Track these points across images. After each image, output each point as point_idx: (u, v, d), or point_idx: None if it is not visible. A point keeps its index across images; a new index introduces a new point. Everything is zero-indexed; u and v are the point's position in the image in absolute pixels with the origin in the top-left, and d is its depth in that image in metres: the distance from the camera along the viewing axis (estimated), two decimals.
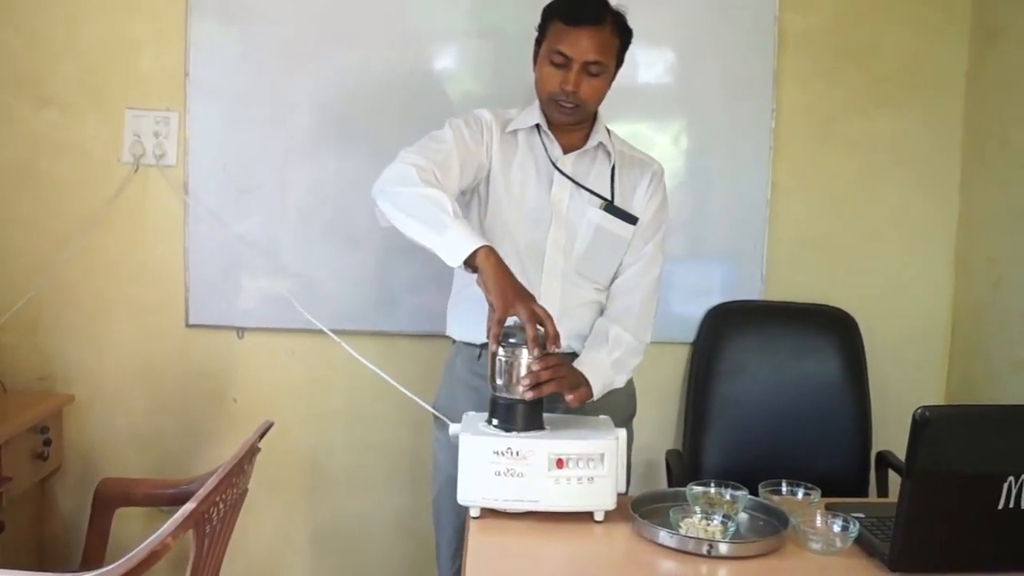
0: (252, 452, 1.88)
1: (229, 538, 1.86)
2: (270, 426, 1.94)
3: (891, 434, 2.37)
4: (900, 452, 2.33)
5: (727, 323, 2.45)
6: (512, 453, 1.56)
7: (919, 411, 1.34)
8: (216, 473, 1.70)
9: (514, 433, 1.59)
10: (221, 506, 1.74)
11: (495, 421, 1.62)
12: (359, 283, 2.45)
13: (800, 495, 1.67)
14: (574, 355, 1.86)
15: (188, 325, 2.46)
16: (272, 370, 2.50)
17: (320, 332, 2.26)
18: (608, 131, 1.96)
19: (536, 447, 1.56)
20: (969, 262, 2.50)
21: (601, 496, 1.56)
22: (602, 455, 1.56)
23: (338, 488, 2.55)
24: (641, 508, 1.58)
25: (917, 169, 2.51)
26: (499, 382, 1.62)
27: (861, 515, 1.55)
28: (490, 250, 1.62)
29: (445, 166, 1.77)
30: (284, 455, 2.46)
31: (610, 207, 1.90)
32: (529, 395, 1.60)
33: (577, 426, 1.66)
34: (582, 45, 1.78)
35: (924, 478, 1.38)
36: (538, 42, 1.87)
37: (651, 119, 2.45)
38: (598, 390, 1.79)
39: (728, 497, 1.63)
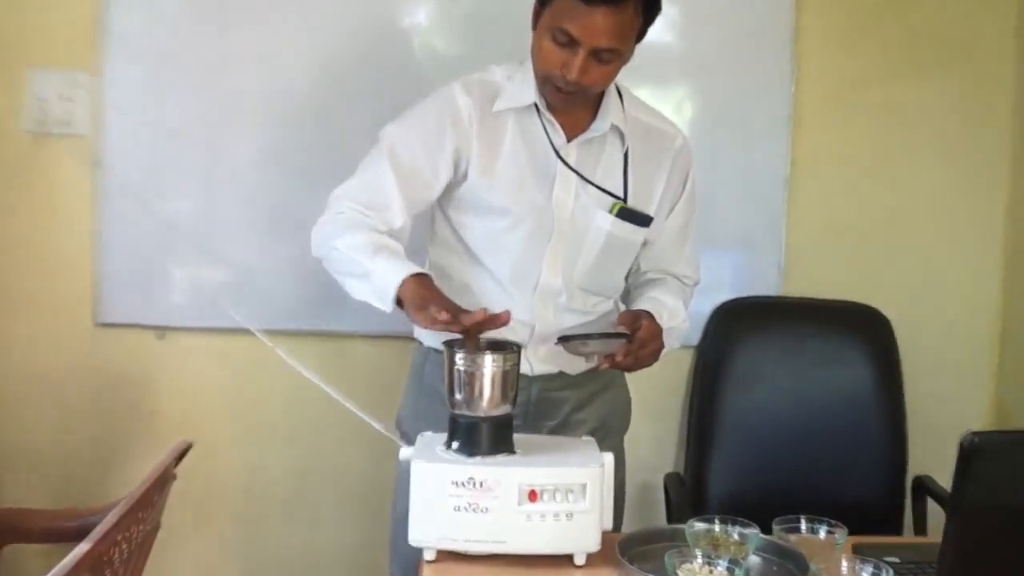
0: (165, 480, 1.80)
1: None
2: (188, 447, 1.85)
3: (931, 456, 2.33)
4: (941, 477, 2.32)
5: (738, 322, 2.41)
6: (475, 484, 1.46)
7: (967, 437, 1.27)
8: (117, 507, 1.61)
9: (478, 458, 1.50)
10: (124, 546, 1.65)
11: (455, 444, 1.53)
12: (305, 275, 2.30)
13: (823, 534, 1.57)
14: (563, 375, 1.82)
15: (97, 324, 2.39)
16: (198, 378, 2.43)
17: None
18: (620, 94, 1.80)
19: (504, 476, 1.46)
20: (1021, 252, 2.46)
21: (582, 536, 1.48)
22: (583, 486, 1.47)
23: (278, 519, 2.49)
24: (631, 550, 1.48)
25: (960, 144, 2.48)
26: (458, 397, 1.53)
27: (896, 560, 1.48)
28: (414, 279, 1.60)
29: (378, 204, 1.72)
30: (212, 479, 2.41)
31: (623, 211, 1.77)
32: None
33: (554, 450, 1.58)
34: (595, 27, 1.60)
35: (972, 516, 1.31)
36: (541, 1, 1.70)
37: (650, 84, 2.33)
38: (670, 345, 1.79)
39: (736, 537, 1.53)
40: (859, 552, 1.51)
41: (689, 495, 2.27)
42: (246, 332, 2.19)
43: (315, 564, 2.48)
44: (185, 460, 2.36)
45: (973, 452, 1.26)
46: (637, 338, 1.66)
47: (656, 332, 1.70)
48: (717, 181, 2.38)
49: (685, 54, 2.41)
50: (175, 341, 2.40)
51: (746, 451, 2.32)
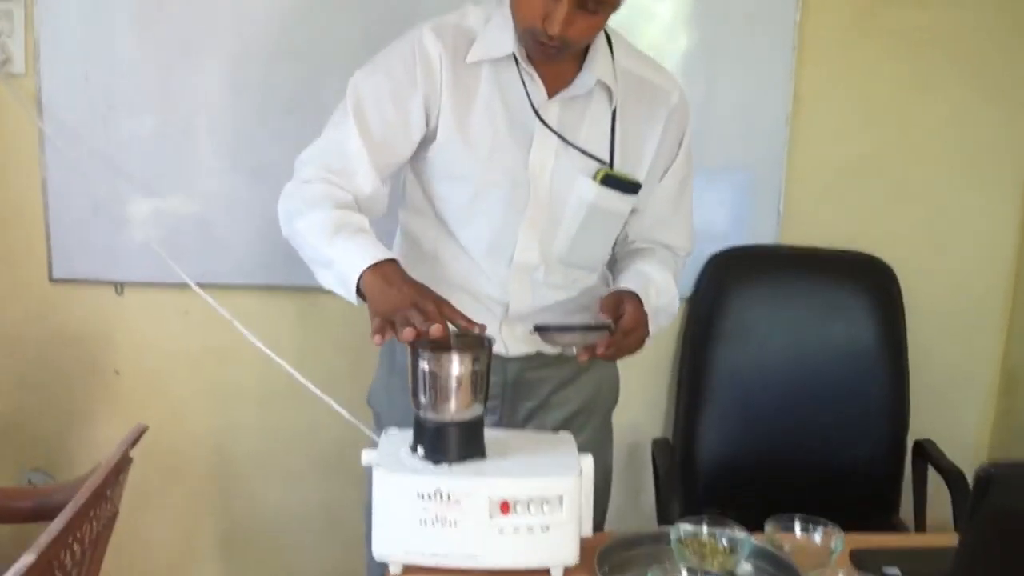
0: (120, 469, 1.68)
1: (99, 572, 1.68)
2: (143, 432, 1.72)
3: (933, 417, 2.25)
4: (942, 440, 2.24)
5: (732, 273, 2.28)
6: (441, 496, 1.36)
7: (982, 468, 1.18)
8: (66, 509, 1.50)
9: (444, 466, 1.40)
10: (76, 547, 1.55)
11: (421, 449, 1.42)
12: (271, 225, 2.11)
13: (818, 537, 1.46)
14: (541, 355, 1.69)
15: (52, 279, 2.24)
16: (163, 334, 2.30)
17: (224, 287, 2.09)
18: (609, 41, 1.61)
19: (473, 488, 1.36)
20: None
21: (559, 548, 1.39)
22: (560, 497, 1.37)
23: (251, 477, 2.41)
24: (610, 560, 1.40)
25: (982, 74, 2.29)
26: (423, 399, 1.41)
27: (896, 572, 1.40)
28: (377, 268, 1.45)
29: (345, 169, 1.56)
30: (182, 438, 2.33)
31: (609, 178, 1.60)
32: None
33: (528, 451, 1.47)
34: None
35: (987, 544, 1.22)
36: None
37: (635, 8, 2.16)
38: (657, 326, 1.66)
39: (725, 543, 1.42)
40: (857, 557, 1.44)
41: (677, 462, 2.19)
42: (211, 284, 2.12)
43: (291, 521, 2.41)
44: (153, 419, 2.28)
45: (988, 481, 1.18)
46: (620, 327, 1.52)
47: (641, 319, 1.56)
48: (711, 118, 2.23)
49: None
50: (135, 296, 2.26)
51: (739, 411, 2.21)
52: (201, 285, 2.14)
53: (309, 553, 2.43)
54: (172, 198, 2.21)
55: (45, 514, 1.85)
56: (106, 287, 2.25)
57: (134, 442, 1.72)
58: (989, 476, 1.17)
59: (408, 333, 1.35)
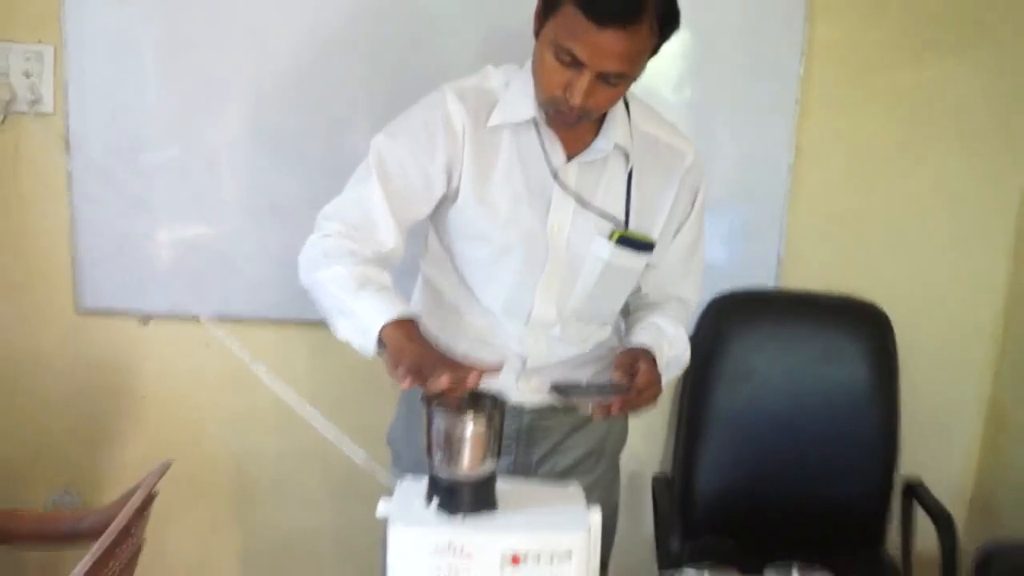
0: (145, 506, 1.74)
1: None
2: (167, 468, 1.79)
3: (922, 457, 2.29)
4: (930, 476, 2.29)
5: (732, 316, 2.29)
6: (455, 550, 1.40)
7: (981, 549, 1.21)
8: (88, 555, 1.54)
9: (459, 517, 1.44)
10: None
11: (434, 502, 1.45)
12: (290, 261, 2.22)
13: None
14: (555, 405, 1.71)
15: (79, 311, 2.29)
16: (185, 363, 2.35)
17: (242, 319, 2.21)
18: (627, 106, 1.64)
19: (485, 542, 1.40)
20: None
21: None
22: (569, 552, 1.41)
23: (268, 500, 2.45)
24: None
25: (978, 131, 2.31)
26: (437, 457, 1.44)
27: None
28: (398, 326, 1.46)
29: (367, 224, 1.58)
30: (202, 461, 2.39)
31: (623, 238, 1.63)
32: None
33: (538, 504, 1.50)
34: (603, 50, 1.44)
35: None
36: (544, 8, 1.51)
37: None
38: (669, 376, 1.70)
39: None
40: None
41: (677, 498, 2.22)
42: (230, 317, 2.21)
43: (307, 543, 2.45)
44: (175, 441, 2.34)
45: (987, 563, 1.23)
46: (634, 385, 1.55)
47: (655, 378, 1.58)
48: (715, 167, 2.16)
49: (687, 28, 2.15)
50: (159, 327, 2.31)
51: (736, 448, 2.24)
52: (220, 317, 2.22)
53: (327, 571, 2.46)
54: (193, 234, 2.26)
55: (76, 537, 1.90)
56: (131, 318, 2.30)
57: (158, 479, 1.78)
58: (989, 554, 1.22)
59: (444, 380, 1.37)
